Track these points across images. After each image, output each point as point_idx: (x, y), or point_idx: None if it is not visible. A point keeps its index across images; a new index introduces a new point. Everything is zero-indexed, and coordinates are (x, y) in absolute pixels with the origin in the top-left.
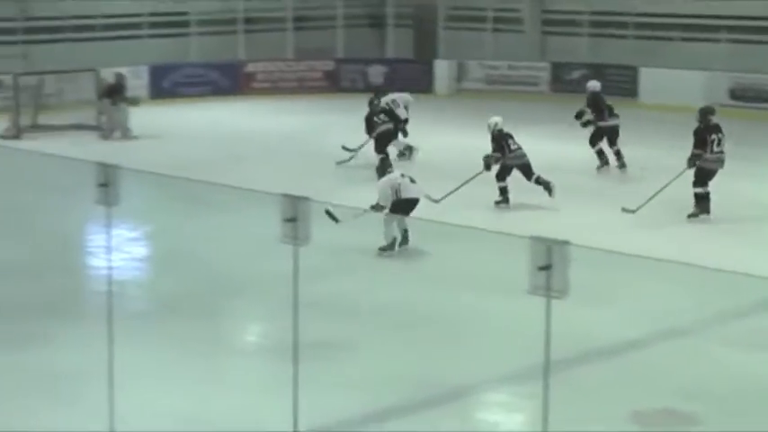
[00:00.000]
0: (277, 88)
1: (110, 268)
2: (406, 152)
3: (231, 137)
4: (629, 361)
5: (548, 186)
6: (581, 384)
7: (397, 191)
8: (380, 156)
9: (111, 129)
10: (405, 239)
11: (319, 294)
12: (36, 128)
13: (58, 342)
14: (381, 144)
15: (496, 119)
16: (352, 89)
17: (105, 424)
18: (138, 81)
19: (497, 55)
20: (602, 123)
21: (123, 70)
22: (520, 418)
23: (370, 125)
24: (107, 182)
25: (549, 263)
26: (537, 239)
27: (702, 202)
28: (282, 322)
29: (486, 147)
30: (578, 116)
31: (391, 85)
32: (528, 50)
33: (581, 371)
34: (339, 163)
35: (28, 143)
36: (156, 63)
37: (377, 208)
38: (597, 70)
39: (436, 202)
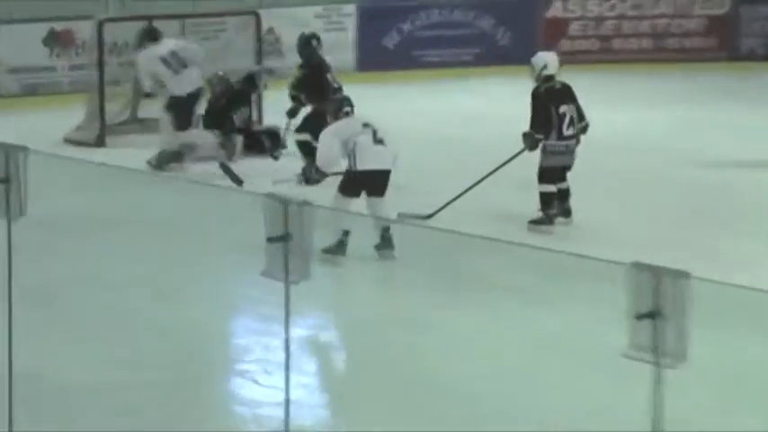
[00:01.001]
0: (609, 51)
1: (286, 404)
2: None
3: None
4: None
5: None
6: None
7: (351, 153)
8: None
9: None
10: (385, 242)
11: None
12: (134, 124)
13: None
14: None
15: (546, 56)
16: (762, 56)
17: None
18: (334, 34)
19: None
20: None
21: (309, 13)
22: None
23: (320, 89)
24: (287, 233)
25: None
26: None
27: None
28: None
29: None
30: None
31: None
32: None
33: None
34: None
35: (118, 153)
36: (371, 1)
37: (314, 176)
38: None
39: (425, 218)
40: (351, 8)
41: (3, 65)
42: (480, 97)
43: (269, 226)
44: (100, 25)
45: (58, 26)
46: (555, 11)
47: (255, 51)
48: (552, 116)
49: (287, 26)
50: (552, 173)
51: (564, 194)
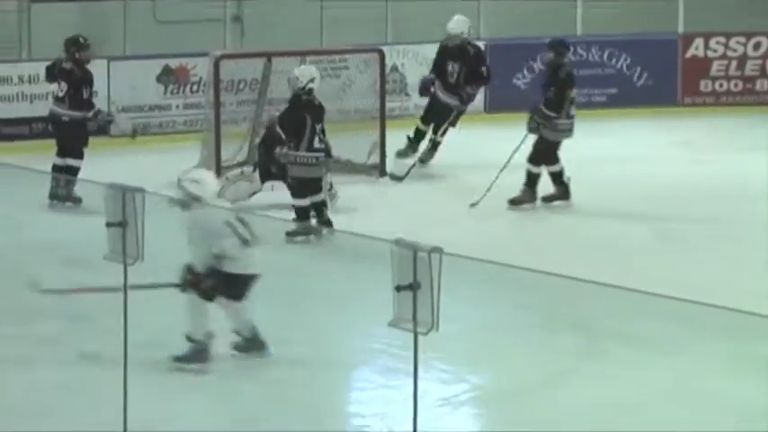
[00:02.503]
0: (752, 93)
1: None
2: None
3: (662, 193)
4: None
5: None
6: None
7: None
8: None
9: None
10: None
11: None
12: (251, 165)
13: None
14: None
15: (313, 70)
16: None
17: None
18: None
19: None
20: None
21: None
22: None
23: None
24: (416, 282)
25: None
26: None
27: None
28: None
29: None
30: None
31: None
32: None
33: None
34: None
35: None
36: (500, 38)
37: None
38: None
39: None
40: (479, 45)
41: (115, 103)
42: (615, 140)
43: (397, 274)
44: (217, 62)
45: (173, 63)
46: (695, 50)
47: (378, 91)
48: (306, 127)
49: (412, 64)
50: (304, 185)
51: (320, 206)
